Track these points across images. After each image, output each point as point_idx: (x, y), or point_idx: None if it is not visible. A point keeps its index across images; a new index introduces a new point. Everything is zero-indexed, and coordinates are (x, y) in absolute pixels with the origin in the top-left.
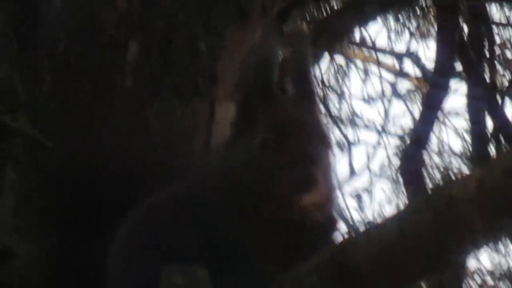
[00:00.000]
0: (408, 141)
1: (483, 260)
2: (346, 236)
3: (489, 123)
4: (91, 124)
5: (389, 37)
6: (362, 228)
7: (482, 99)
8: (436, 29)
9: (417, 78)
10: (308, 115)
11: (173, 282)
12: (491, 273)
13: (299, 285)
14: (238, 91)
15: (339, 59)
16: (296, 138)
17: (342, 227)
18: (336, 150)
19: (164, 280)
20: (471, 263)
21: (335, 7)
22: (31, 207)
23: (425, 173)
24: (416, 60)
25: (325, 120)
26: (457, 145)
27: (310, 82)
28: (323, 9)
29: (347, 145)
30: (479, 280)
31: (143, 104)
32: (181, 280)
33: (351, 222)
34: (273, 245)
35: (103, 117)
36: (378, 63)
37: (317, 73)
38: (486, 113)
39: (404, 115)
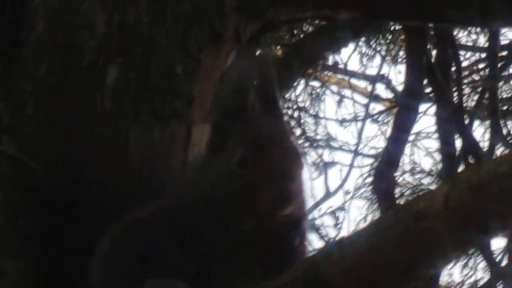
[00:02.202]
0: (380, 161)
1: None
2: (319, 251)
3: (458, 143)
4: (73, 145)
5: (361, 61)
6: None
7: (451, 120)
8: (405, 53)
9: (388, 101)
10: (281, 134)
11: None
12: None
13: None
14: (213, 113)
15: (314, 83)
16: (272, 155)
17: (318, 244)
18: (312, 170)
19: None
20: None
21: (308, 32)
22: (17, 225)
23: (397, 192)
24: (387, 83)
25: (297, 139)
26: (427, 165)
27: (276, 103)
28: (295, 33)
29: (323, 166)
30: None
31: (122, 126)
32: None
33: (326, 239)
34: (251, 257)
35: (84, 138)
36: (351, 87)
37: (293, 96)
38: (454, 133)
39: (377, 136)
